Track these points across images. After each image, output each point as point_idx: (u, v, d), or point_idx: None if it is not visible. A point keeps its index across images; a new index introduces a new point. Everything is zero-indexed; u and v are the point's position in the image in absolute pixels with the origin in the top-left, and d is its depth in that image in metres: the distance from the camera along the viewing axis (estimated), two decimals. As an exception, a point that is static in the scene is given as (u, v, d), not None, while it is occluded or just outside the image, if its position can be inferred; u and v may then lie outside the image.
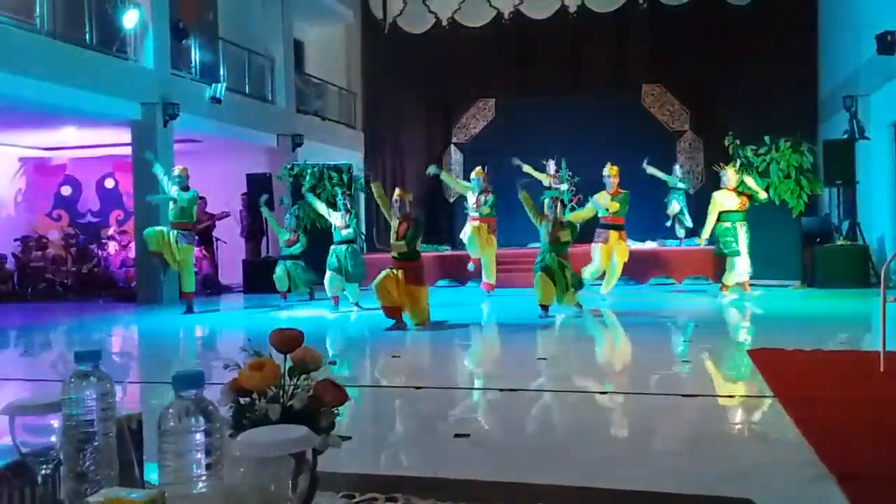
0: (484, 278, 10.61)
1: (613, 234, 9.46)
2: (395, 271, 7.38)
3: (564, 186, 12.56)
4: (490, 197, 10.56)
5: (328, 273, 9.10)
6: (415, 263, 7.56)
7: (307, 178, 12.84)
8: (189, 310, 9.40)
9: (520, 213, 8.63)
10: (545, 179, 12.59)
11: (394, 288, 7.33)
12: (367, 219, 16.65)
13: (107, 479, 1.05)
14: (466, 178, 15.26)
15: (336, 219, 9.18)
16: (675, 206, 12.74)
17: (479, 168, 10.96)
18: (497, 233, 10.92)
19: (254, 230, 13.20)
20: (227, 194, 13.32)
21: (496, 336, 7.65)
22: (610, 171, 9.59)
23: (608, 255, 9.46)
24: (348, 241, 9.17)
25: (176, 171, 9.50)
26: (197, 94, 11.94)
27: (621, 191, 9.55)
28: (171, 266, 9.48)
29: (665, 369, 5.38)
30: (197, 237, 11.40)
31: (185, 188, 9.39)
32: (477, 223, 10.57)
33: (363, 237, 15.68)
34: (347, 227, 9.17)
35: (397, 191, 7.88)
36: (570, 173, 15.44)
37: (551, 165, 13.02)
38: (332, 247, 9.14)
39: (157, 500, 0.90)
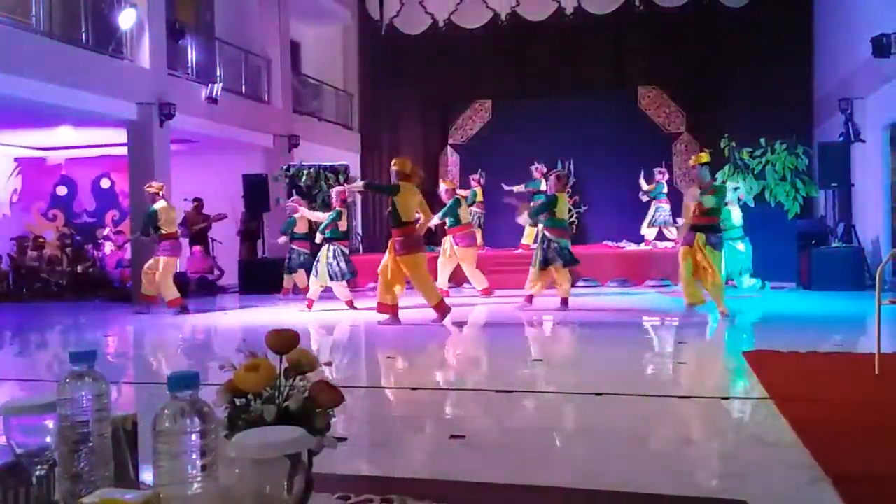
0: (477, 287, 10.55)
1: (699, 237, 7.59)
2: (389, 253, 7.57)
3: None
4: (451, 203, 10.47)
5: (312, 277, 9.27)
6: (401, 230, 7.47)
7: (303, 178, 12.85)
8: (184, 311, 9.41)
9: (508, 215, 8.73)
10: (542, 185, 12.55)
11: (386, 273, 7.51)
12: (364, 219, 16.66)
13: (102, 479, 1.05)
14: (464, 179, 15.33)
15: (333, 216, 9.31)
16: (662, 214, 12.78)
17: (447, 179, 11.13)
18: (484, 235, 11.02)
19: (250, 231, 13.19)
20: (223, 195, 13.31)
21: (492, 337, 7.65)
22: (700, 159, 7.81)
23: (693, 262, 7.62)
24: (338, 240, 9.19)
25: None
26: (193, 94, 11.93)
27: (716, 182, 7.90)
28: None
29: (660, 371, 5.38)
30: (184, 240, 11.48)
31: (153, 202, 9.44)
32: (449, 237, 10.55)
33: (360, 238, 15.69)
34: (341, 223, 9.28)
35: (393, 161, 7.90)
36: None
37: (535, 170, 12.99)
38: (326, 246, 9.17)
39: (152, 501, 0.90)
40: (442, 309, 7.71)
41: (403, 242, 7.48)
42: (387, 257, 7.68)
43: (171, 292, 9.52)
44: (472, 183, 13.71)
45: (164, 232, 9.43)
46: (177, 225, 9.73)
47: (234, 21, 14.23)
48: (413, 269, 7.53)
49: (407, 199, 7.54)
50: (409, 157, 8.19)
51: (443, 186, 10.69)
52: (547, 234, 8.39)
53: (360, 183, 8.49)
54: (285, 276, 11.01)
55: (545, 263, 8.36)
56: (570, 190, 13.90)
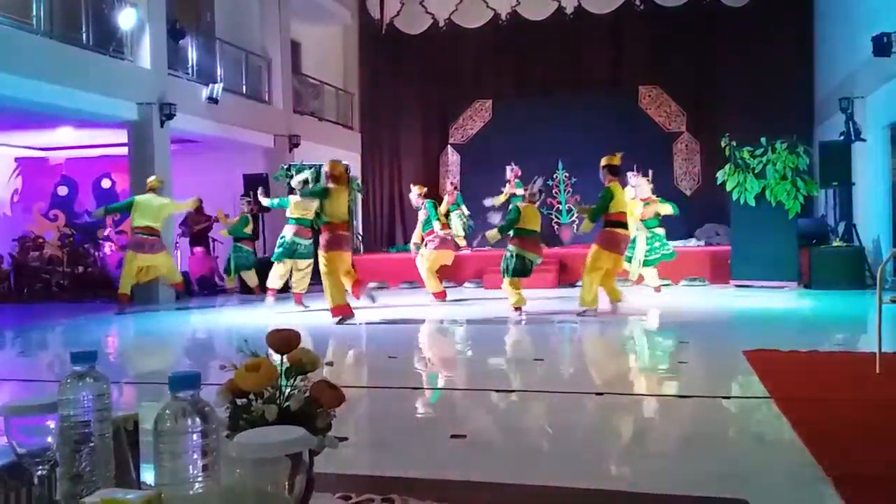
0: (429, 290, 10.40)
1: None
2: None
3: (520, 191, 12.43)
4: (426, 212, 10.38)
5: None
6: (327, 228, 7.85)
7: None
8: (122, 311, 9.66)
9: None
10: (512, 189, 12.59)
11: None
12: (365, 219, 16.65)
13: (103, 479, 1.05)
14: (465, 178, 15.33)
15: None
16: None
17: (418, 185, 11.13)
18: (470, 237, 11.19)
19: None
20: (224, 195, 13.30)
21: (493, 337, 7.65)
22: (611, 160, 8.16)
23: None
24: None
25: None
26: (194, 94, 11.93)
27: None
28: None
29: (661, 370, 5.38)
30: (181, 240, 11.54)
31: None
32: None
33: (360, 237, 15.68)
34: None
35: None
36: (567, 174, 15.49)
37: (508, 171, 12.95)
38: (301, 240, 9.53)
39: (154, 501, 0.89)
40: (342, 312, 7.87)
41: (329, 240, 7.79)
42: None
43: (127, 286, 9.80)
44: (450, 188, 13.69)
45: (135, 225, 9.66)
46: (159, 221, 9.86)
47: (235, 21, 14.22)
48: (328, 265, 7.82)
49: (334, 202, 7.84)
50: (341, 161, 8.46)
51: (415, 191, 10.32)
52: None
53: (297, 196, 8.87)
54: (232, 276, 11.51)
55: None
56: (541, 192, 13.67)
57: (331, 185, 7.90)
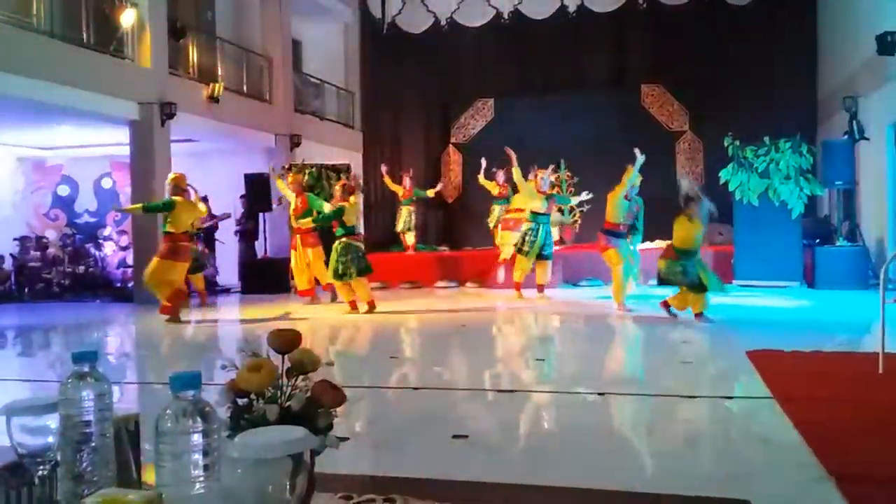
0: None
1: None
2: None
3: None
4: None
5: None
6: (169, 238, 8.46)
7: (305, 177, 12.82)
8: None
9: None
10: (494, 189, 12.73)
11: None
12: (366, 219, 16.64)
13: (104, 479, 1.05)
14: (467, 178, 15.32)
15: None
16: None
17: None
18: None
19: (248, 231, 13.17)
20: (225, 194, 13.29)
21: (493, 336, 7.65)
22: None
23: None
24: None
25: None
26: (194, 93, 11.93)
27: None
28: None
29: (663, 370, 5.37)
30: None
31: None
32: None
33: (362, 236, 15.69)
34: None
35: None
36: (570, 174, 15.47)
37: (500, 175, 12.87)
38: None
39: (155, 501, 0.89)
40: (169, 311, 8.46)
41: (171, 248, 8.40)
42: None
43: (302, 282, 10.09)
44: (407, 182, 13.88)
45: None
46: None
47: (236, 20, 14.22)
48: (168, 273, 8.38)
49: (181, 213, 8.42)
50: (183, 174, 8.86)
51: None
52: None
53: (137, 206, 9.25)
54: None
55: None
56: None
57: (175, 197, 8.43)
